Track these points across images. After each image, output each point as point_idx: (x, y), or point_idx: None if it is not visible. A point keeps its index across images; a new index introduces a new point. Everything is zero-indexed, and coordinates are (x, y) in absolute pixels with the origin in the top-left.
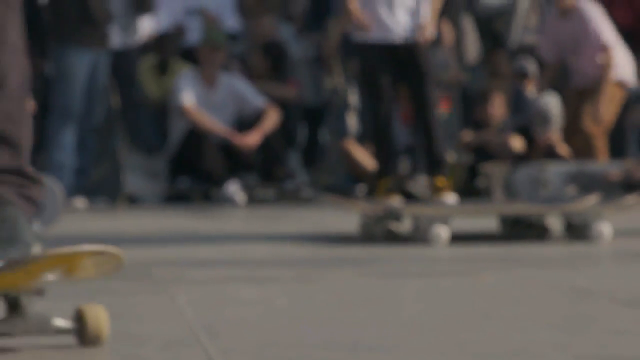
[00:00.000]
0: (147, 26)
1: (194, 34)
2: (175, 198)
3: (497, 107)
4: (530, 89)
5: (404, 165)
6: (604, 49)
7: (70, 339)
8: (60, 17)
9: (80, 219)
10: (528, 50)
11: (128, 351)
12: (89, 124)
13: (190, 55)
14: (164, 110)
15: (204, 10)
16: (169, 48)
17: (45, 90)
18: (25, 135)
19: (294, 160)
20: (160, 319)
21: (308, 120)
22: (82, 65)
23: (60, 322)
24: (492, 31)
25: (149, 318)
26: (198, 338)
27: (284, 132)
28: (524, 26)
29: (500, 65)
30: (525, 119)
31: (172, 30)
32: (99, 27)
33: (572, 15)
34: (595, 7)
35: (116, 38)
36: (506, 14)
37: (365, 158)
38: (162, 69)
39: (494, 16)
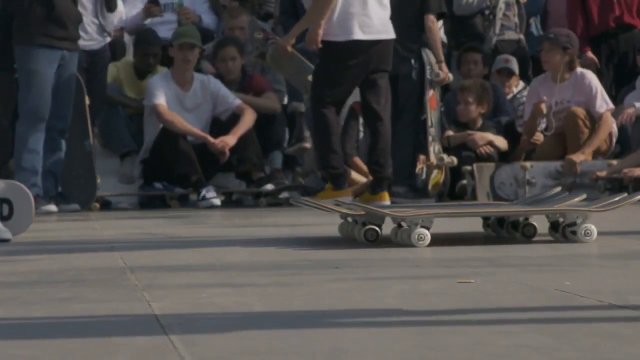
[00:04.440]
0: (114, 25)
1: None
2: (149, 202)
3: (468, 106)
4: (514, 86)
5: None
6: (607, 113)
7: None
8: (26, 18)
9: (52, 225)
10: (507, 47)
11: (101, 359)
12: (58, 126)
13: (167, 60)
14: (141, 114)
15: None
16: (147, 52)
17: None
18: None
19: (277, 162)
20: (135, 326)
21: (288, 122)
22: (49, 66)
23: None
24: (471, 30)
25: (123, 325)
26: (174, 345)
27: (267, 134)
28: (502, 24)
29: (477, 63)
30: (510, 116)
31: (138, 28)
32: (67, 27)
33: (569, 79)
34: (591, 73)
35: (86, 38)
36: (485, 12)
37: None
38: (141, 74)
39: (473, 15)
